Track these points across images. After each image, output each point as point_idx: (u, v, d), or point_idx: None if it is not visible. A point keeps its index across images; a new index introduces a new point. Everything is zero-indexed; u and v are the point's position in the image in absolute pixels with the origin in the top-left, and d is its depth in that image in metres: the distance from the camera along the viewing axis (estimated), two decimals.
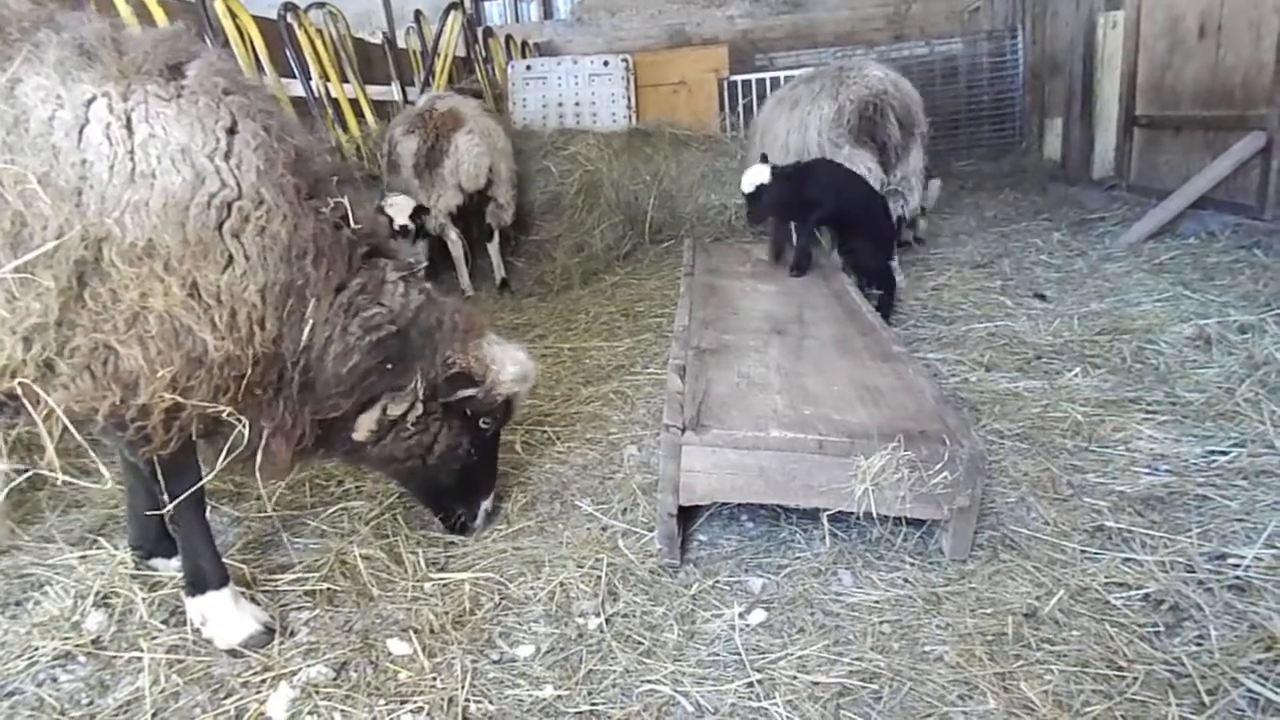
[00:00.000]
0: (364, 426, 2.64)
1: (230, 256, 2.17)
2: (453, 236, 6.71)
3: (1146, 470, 3.27)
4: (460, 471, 2.95)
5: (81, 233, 2.01)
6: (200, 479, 2.45)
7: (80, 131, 2.04)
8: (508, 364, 2.90)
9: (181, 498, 2.41)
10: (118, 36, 2.20)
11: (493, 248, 7.06)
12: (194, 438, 2.35)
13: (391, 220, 5.95)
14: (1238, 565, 2.63)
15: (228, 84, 2.27)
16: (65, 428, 2.12)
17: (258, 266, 2.20)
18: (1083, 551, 2.80)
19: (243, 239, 2.18)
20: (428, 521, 3.20)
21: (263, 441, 2.40)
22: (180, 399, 2.15)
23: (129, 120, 2.08)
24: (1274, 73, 6.01)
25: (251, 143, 2.23)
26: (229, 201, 2.16)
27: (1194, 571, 2.63)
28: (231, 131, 2.21)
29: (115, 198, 2.05)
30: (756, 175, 5.25)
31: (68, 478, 2.13)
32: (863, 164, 5.95)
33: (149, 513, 2.67)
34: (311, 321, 2.37)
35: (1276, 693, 2.12)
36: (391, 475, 2.97)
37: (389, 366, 2.60)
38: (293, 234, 2.27)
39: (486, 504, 3.14)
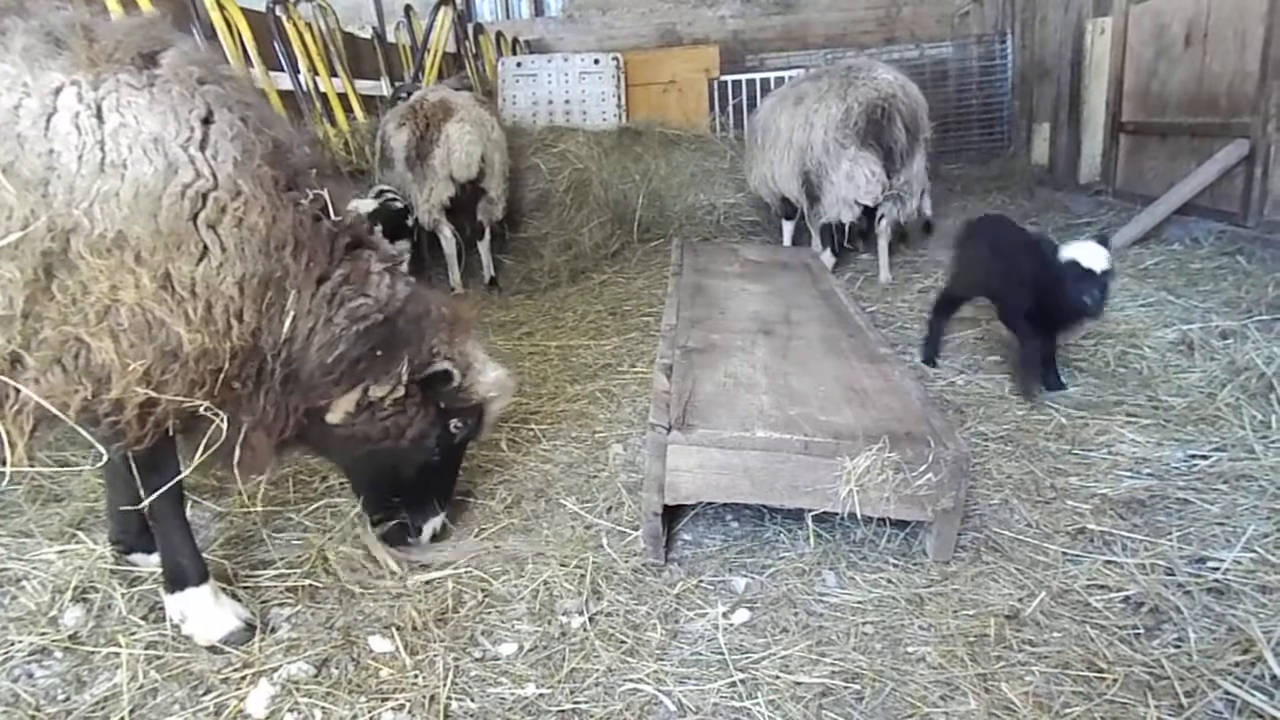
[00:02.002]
0: (341, 408, 2.59)
1: (205, 248, 2.13)
2: (447, 234, 6.67)
3: (1128, 474, 3.30)
4: (420, 469, 2.85)
5: (48, 223, 1.97)
6: (179, 474, 2.42)
7: (48, 120, 2.00)
8: (489, 369, 2.87)
9: (157, 494, 2.38)
10: (89, 24, 2.15)
11: (483, 245, 7.03)
12: (171, 433, 2.31)
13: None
14: (1217, 568, 2.65)
15: (203, 73, 2.23)
16: (36, 423, 2.09)
17: (234, 258, 2.16)
18: (1065, 554, 2.82)
19: (219, 230, 2.14)
20: None
21: (242, 436, 2.37)
22: (154, 393, 2.12)
23: (99, 109, 2.04)
24: (1258, 81, 6.06)
25: (228, 133, 2.19)
26: (204, 192, 2.12)
27: (1174, 574, 2.65)
28: (207, 121, 2.17)
29: (84, 188, 2.01)
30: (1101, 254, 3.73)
31: (39, 470, 2.10)
32: (867, 166, 5.96)
33: (126, 508, 2.64)
34: (292, 314, 2.33)
35: (1253, 695, 2.14)
36: (351, 461, 2.83)
37: (379, 354, 2.58)
38: (271, 225, 2.24)
39: (435, 523, 3.01)
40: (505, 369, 2.96)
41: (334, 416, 2.61)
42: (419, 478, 2.89)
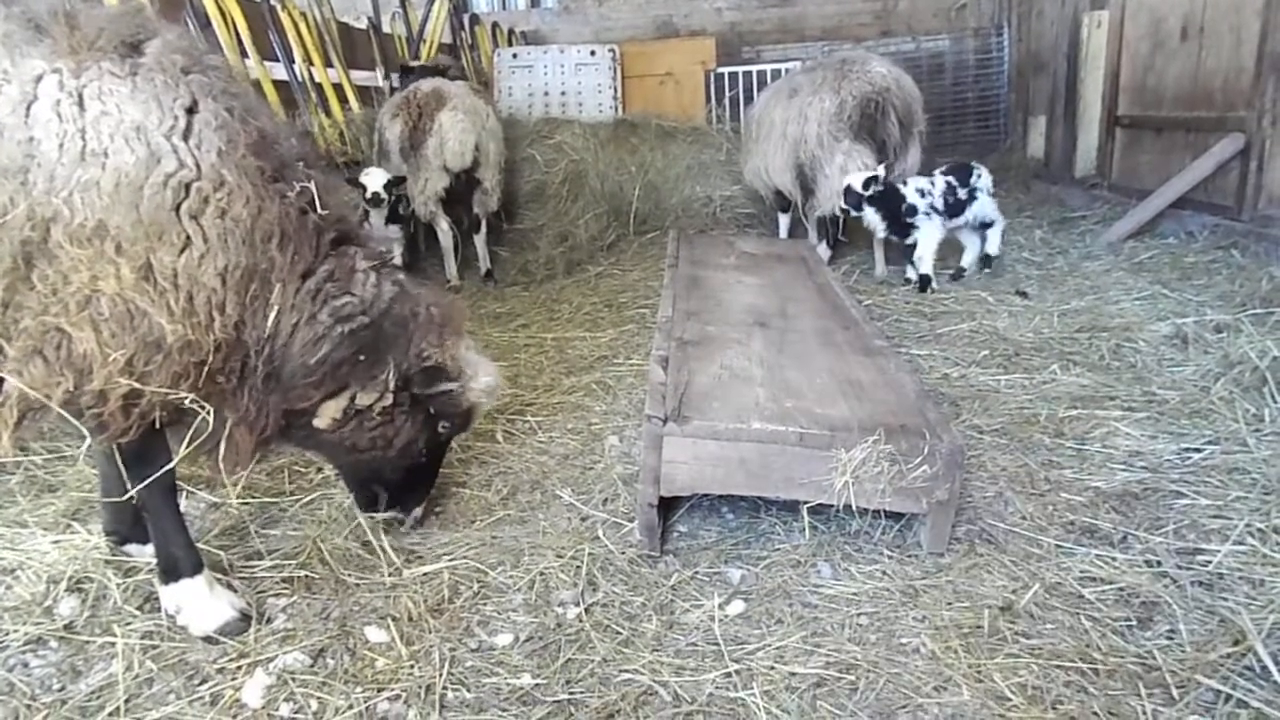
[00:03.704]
0: (328, 414, 2.58)
1: (188, 238, 2.11)
2: (444, 226, 6.63)
3: (1122, 466, 3.31)
4: (408, 470, 2.87)
5: (27, 212, 1.96)
6: (168, 466, 2.42)
7: (28, 108, 1.99)
8: (480, 372, 2.85)
9: (141, 485, 2.37)
10: (71, 12, 2.13)
11: (479, 238, 7.00)
12: (157, 425, 2.29)
13: (365, 189, 5.89)
14: (1209, 561, 2.67)
15: (188, 63, 2.21)
16: (21, 415, 2.08)
17: (217, 249, 2.14)
18: (1058, 546, 2.83)
19: (202, 221, 2.12)
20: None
21: (226, 431, 2.35)
22: (137, 385, 2.10)
23: (80, 97, 2.02)
24: (1253, 76, 6.07)
25: (213, 123, 2.17)
26: (187, 182, 2.10)
27: (1166, 567, 2.67)
28: (191, 111, 2.15)
29: (64, 176, 1.99)
30: None
31: (31, 459, 2.09)
32: (860, 159, 5.96)
33: (113, 499, 2.63)
34: (276, 307, 2.31)
35: (1244, 686, 2.15)
36: (338, 462, 2.87)
37: (362, 358, 2.55)
38: (256, 217, 2.21)
39: (418, 511, 3.04)
40: (495, 369, 2.95)
41: (321, 421, 2.59)
42: (406, 477, 2.91)
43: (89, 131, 2.02)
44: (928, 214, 5.79)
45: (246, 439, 2.40)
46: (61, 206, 1.99)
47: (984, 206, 5.96)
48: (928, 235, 5.84)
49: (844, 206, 5.87)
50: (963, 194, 5.86)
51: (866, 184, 5.73)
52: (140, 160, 2.05)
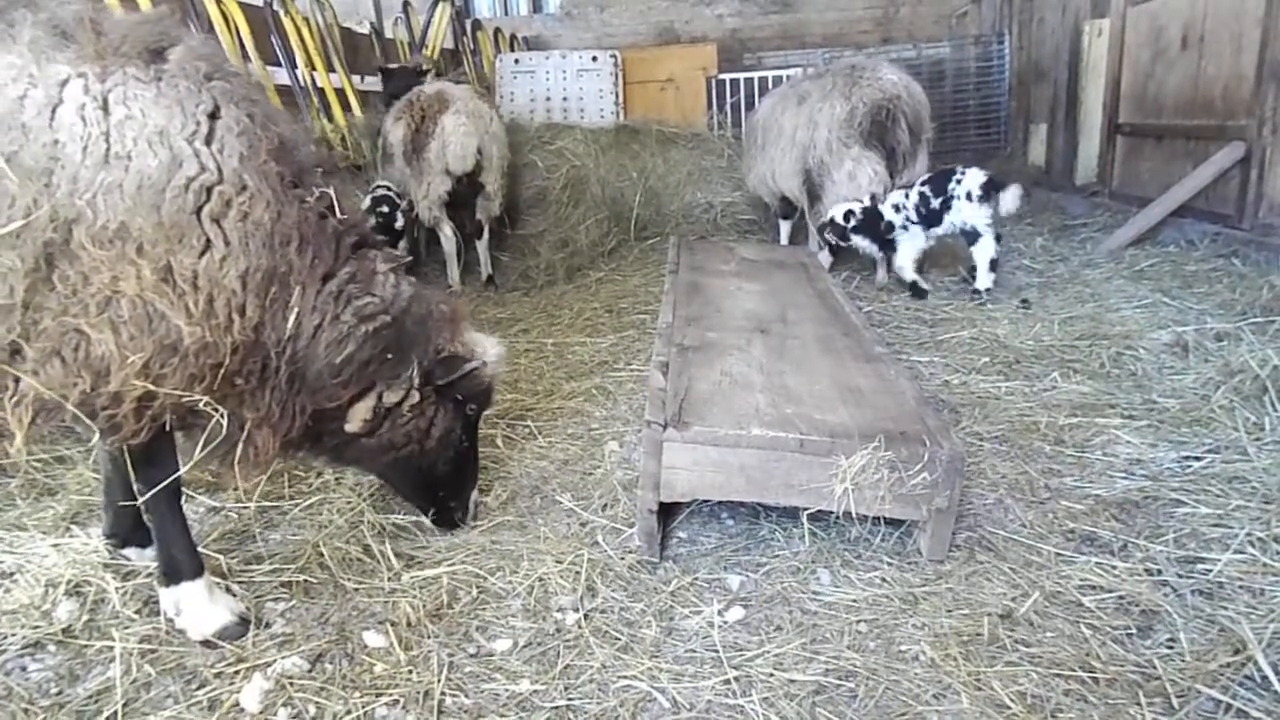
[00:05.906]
0: (358, 417, 2.63)
1: (208, 241, 2.14)
2: (447, 232, 6.64)
3: (1123, 475, 3.31)
4: (453, 459, 2.95)
5: (50, 213, 1.97)
6: (177, 469, 2.42)
7: (53, 111, 2.01)
8: (489, 347, 2.94)
9: (155, 489, 2.38)
10: (96, 18, 2.16)
11: (481, 244, 7.02)
12: (169, 428, 2.31)
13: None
14: (1209, 570, 2.66)
15: (210, 69, 2.25)
16: (35, 415, 2.09)
17: (238, 252, 2.17)
18: (1058, 554, 2.83)
19: (223, 224, 2.15)
20: (406, 514, 3.18)
21: (245, 433, 2.37)
22: (153, 387, 2.12)
23: (105, 101, 2.05)
24: (1254, 84, 6.08)
25: (234, 128, 2.20)
26: (209, 186, 2.13)
27: (1166, 575, 2.66)
28: (213, 116, 2.19)
29: (88, 179, 2.01)
30: None
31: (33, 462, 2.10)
32: (870, 166, 5.97)
33: (124, 502, 2.64)
34: (297, 310, 2.34)
35: (1244, 696, 2.15)
36: (383, 469, 2.92)
37: (389, 356, 2.61)
38: (276, 221, 2.25)
39: (475, 495, 3.15)
40: (498, 340, 3.02)
41: (353, 425, 2.64)
42: (454, 467, 2.98)
43: (112, 135, 2.04)
44: (905, 227, 5.84)
45: (269, 440, 2.43)
46: (84, 208, 2.01)
47: (963, 214, 5.55)
48: (904, 245, 5.91)
49: (829, 239, 6.03)
50: (936, 203, 5.65)
51: (847, 216, 5.88)
52: (162, 164, 2.08)
